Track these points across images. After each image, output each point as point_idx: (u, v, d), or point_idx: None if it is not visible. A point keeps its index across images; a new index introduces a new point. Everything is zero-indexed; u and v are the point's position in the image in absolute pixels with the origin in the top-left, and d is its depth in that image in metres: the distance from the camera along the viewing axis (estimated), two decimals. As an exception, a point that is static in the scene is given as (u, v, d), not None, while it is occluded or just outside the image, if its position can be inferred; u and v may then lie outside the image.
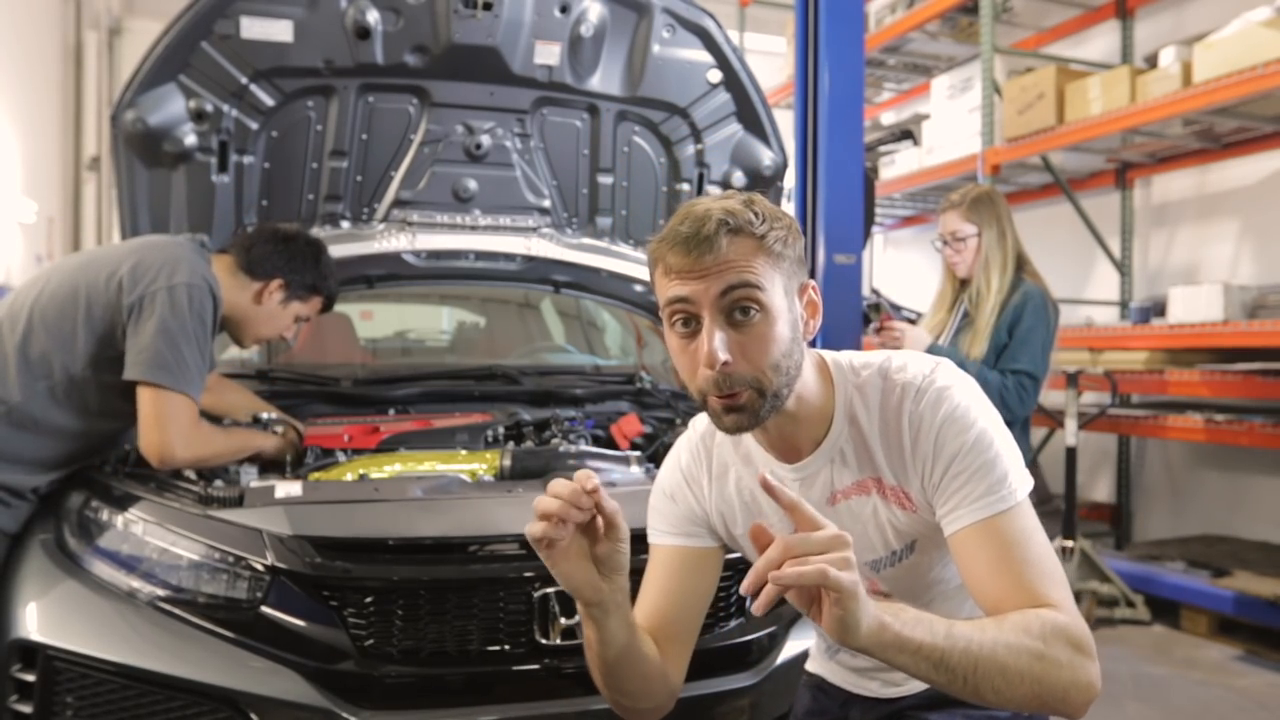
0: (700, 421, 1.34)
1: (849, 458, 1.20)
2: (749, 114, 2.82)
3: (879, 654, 0.94)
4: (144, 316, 1.95)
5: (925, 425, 1.14)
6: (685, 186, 2.88)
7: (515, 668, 1.75)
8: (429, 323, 4.07)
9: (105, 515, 1.89)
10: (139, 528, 1.82)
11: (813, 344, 1.25)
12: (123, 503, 1.88)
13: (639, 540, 1.35)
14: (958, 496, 1.12)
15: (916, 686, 1.32)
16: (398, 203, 2.74)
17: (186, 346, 1.96)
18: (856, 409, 1.19)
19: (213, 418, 2.38)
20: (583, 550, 1.15)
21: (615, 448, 2.40)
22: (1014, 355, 2.78)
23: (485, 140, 2.71)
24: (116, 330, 1.98)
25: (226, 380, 2.47)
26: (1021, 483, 1.13)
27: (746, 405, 1.12)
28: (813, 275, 3.33)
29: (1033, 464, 5.25)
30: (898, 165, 5.97)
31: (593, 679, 1.26)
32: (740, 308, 1.10)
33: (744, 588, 0.92)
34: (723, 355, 1.08)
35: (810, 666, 1.50)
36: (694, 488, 1.33)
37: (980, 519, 1.10)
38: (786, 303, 1.13)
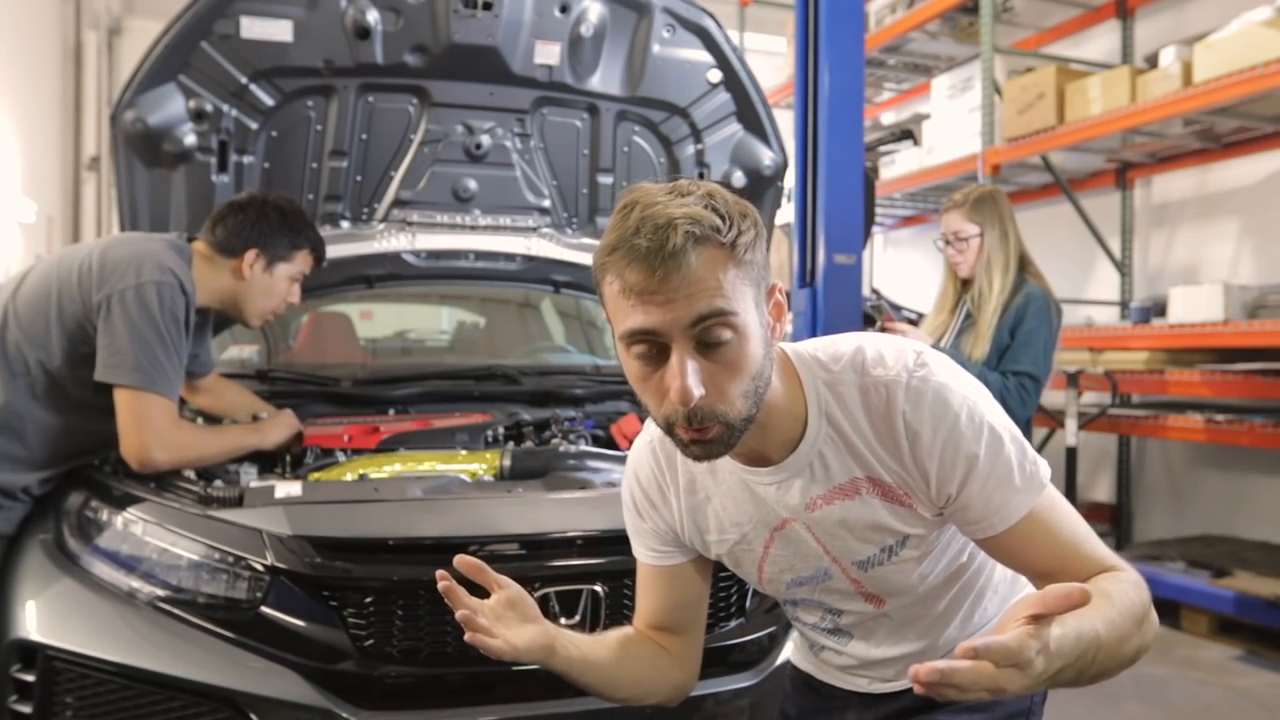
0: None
1: (829, 460, 1.12)
2: (749, 114, 2.82)
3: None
4: (113, 316, 1.92)
5: (925, 436, 1.07)
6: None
7: (515, 668, 1.74)
8: (429, 323, 4.07)
9: (105, 515, 1.89)
10: (138, 528, 1.82)
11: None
12: (122, 503, 1.88)
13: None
14: (991, 506, 1.08)
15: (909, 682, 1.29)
16: (398, 203, 2.74)
17: (159, 347, 1.93)
18: (832, 408, 1.11)
19: (212, 418, 2.38)
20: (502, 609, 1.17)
21: (615, 448, 2.39)
22: (1016, 357, 2.78)
23: (485, 140, 2.71)
24: (87, 327, 1.96)
25: (226, 380, 2.47)
26: (1033, 465, 1.09)
27: (716, 439, 1.03)
28: (813, 276, 3.33)
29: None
30: (898, 165, 5.97)
31: None
32: (711, 333, 0.99)
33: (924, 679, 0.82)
34: (697, 391, 0.99)
35: (795, 662, 1.45)
36: (657, 502, 1.26)
37: (1013, 523, 1.08)
38: (758, 316, 1.04)
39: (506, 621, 1.15)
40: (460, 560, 1.14)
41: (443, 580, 1.11)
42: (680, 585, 1.30)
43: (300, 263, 2.22)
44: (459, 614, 1.10)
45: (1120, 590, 1.02)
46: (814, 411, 1.11)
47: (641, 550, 1.31)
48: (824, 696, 1.38)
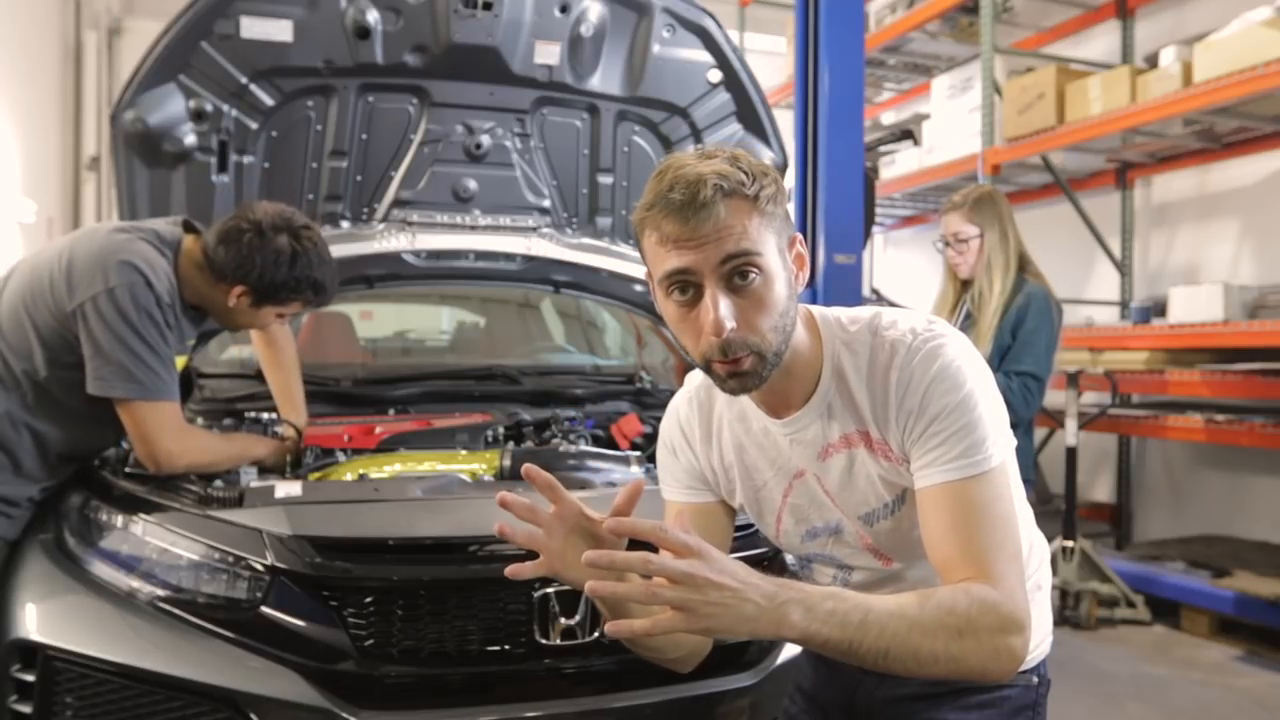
0: (696, 376, 1.35)
1: (835, 412, 1.22)
2: (749, 114, 2.82)
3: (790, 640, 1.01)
4: (91, 327, 1.88)
5: (914, 382, 1.15)
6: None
7: (515, 668, 1.74)
8: (429, 323, 4.07)
9: (105, 515, 1.88)
10: (139, 528, 1.82)
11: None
12: (122, 503, 1.88)
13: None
14: (932, 455, 1.14)
15: None
16: (398, 203, 2.73)
17: (145, 351, 1.90)
18: (844, 363, 1.21)
19: (212, 419, 2.37)
20: (578, 550, 1.15)
21: (615, 448, 2.39)
22: (1017, 357, 2.78)
23: (485, 140, 2.71)
24: (67, 337, 1.91)
25: (290, 349, 2.39)
26: (1000, 446, 1.15)
27: (750, 370, 1.14)
28: (813, 276, 3.33)
29: (1033, 464, 5.26)
30: (898, 165, 5.98)
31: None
32: (739, 272, 1.11)
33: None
34: (729, 323, 1.10)
35: None
36: (691, 442, 1.36)
37: (947, 480, 1.13)
38: (780, 261, 1.15)
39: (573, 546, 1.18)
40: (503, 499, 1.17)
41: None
42: (708, 526, 1.36)
43: (291, 306, 2.12)
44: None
45: (952, 597, 1.05)
46: (828, 366, 1.22)
47: (674, 490, 1.39)
48: (833, 669, 1.42)
